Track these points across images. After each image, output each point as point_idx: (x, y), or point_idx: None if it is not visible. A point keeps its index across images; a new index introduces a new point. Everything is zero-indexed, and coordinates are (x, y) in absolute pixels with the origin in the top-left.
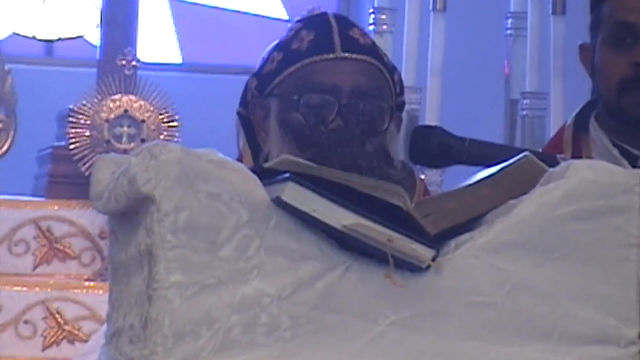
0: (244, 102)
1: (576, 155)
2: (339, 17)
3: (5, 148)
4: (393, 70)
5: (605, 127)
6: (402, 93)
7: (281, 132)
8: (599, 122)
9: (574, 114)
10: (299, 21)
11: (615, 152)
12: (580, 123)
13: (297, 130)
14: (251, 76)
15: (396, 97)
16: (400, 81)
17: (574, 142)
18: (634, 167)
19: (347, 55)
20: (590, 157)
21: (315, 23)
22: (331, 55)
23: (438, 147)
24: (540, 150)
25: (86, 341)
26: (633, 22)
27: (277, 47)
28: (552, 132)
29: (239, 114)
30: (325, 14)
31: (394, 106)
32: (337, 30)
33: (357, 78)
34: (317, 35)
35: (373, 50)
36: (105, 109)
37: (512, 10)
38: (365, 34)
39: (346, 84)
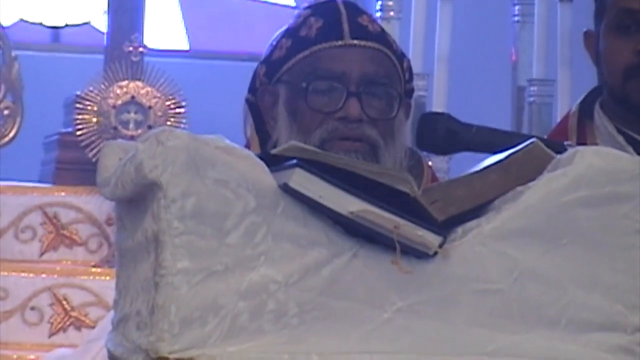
0: (252, 89)
1: (581, 142)
2: (347, 4)
3: (12, 134)
4: (402, 56)
5: (609, 113)
6: (410, 79)
7: (289, 118)
8: (603, 109)
9: (579, 101)
10: (307, 7)
11: (620, 138)
12: (585, 110)
13: (304, 116)
14: (259, 63)
15: (405, 83)
16: (409, 67)
17: (579, 129)
18: (639, 153)
19: (355, 42)
20: (594, 144)
21: (324, 9)
22: (340, 42)
23: (445, 134)
24: (545, 137)
25: (92, 327)
26: (637, 9)
27: (286, 34)
28: (559, 118)
29: (247, 100)
30: (333, 0)
31: (402, 93)
32: (346, 16)
33: (365, 65)
34: (325, 22)
35: (382, 37)
36: (112, 95)
37: None
38: (373, 21)
39: (354, 71)
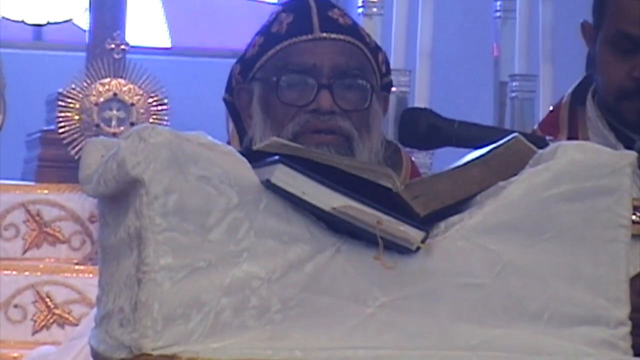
0: (229, 89)
1: (572, 134)
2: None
3: None
4: (376, 49)
5: (601, 102)
6: (387, 73)
7: (263, 114)
8: (595, 98)
9: (570, 90)
10: (280, 4)
11: (612, 136)
12: (577, 97)
13: (277, 111)
14: (235, 62)
15: (381, 77)
16: (386, 61)
17: (570, 120)
18: (629, 148)
19: (325, 35)
20: (586, 137)
21: (295, 5)
22: (309, 36)
23: (427, 129)
24: (536, 127)
25: (76, 325)
26: (635, 35)
27: (259, 32)
28: (541, 113)
29: (224, 100)
30: None
31: (376, 85)
32: (316, 11)
33: (336, 57)
34: (295, 17)
35: (353, 29)
36: (94, 92)
37: None
38: (345, 15)
39: (325, 64)
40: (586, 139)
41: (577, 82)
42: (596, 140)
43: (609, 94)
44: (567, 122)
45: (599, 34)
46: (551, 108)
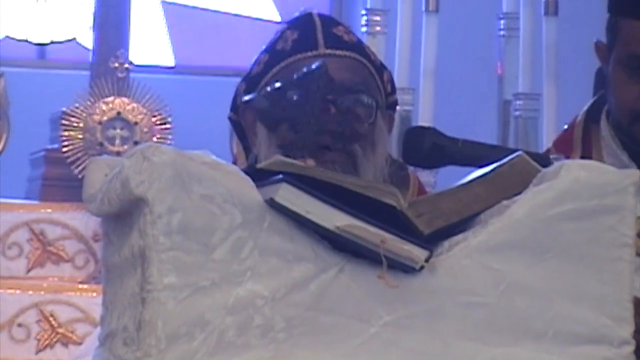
0: (234, 107)
1: (586, 153)
2: (322, 16)
3: None
4: (381, 68)
5: (614, 122)
6: (393, 92)
7: (268, 133)
8: (609, 118)
9: (586, 107)
10: (285, 22)
11: (625, 156)
12: (592, 115)
13: (260, 111)
14: (240, 80)
15: (386, 95)
16: (391, 80)
17: (584, 138)
18: None
19: (329, 51)
20: (600, 156)
21: (299, 22)
22: (314, 52)
23: (431, 148)
24: (551, 144)
25: (80, 344)
26: None
27: (264, 50)
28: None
29: (230, 119)
30: (309, 13)
31: (380, 101)
32: (321, 27)
33: (340, 73)
34: (300, 34)
35: (358, 46)
36: (97, 111)
37: (504, 11)
38: (349, 32)
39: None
40: (600, 157)
41: (592, 100)
42: (610, 160)
43: (621, 115)
44: (581, 140)
45: (612, 54)
46: (566, 126)
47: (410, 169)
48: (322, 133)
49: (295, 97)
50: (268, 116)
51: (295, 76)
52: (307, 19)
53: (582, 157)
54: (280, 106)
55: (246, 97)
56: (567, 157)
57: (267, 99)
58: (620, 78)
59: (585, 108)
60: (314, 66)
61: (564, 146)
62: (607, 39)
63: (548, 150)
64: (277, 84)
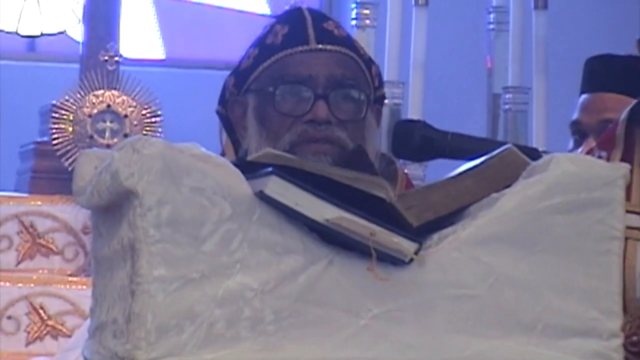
0: (222, 101)
1: (628, 151)
2: (313, 11)
3: None
4: (370, 62)
5: None
6: (380, 86)
7: (258, 125)
8: None
9: (630, 107)
10: (274, 17)
11: None
12: (635, 117)
13: (273, 122)
14: (229, 74)
15: (375, 89)
16: (379, 74)
17: (627, 137)
18: None
19: (320, 46)
20: None
21: (289, 17)
22: (305, 47)
23: (420, 141)
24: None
25: (69, 336)
26: None
27: (253, 44)
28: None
29: (218, 112)
30: (299, 8)
31: (370, 96)
32: (311, 22)
33: (331, 68)
34: (290, 29)
35: (347, 41)
36: (87, 104)
37: (493, 4)
38: (339, 26)
39: (321, 74)
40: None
41: (635, 101)
42: None
43: None
44: (623, 138)
45: None
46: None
47: (400, 162)
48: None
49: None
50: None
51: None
52: (297, 14)
53: (624, 156)
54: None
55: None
56: (610, 155)
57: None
58: None
59: (628, 108)
60: None
61: (607, 144)
62: None
63: (593, 148)
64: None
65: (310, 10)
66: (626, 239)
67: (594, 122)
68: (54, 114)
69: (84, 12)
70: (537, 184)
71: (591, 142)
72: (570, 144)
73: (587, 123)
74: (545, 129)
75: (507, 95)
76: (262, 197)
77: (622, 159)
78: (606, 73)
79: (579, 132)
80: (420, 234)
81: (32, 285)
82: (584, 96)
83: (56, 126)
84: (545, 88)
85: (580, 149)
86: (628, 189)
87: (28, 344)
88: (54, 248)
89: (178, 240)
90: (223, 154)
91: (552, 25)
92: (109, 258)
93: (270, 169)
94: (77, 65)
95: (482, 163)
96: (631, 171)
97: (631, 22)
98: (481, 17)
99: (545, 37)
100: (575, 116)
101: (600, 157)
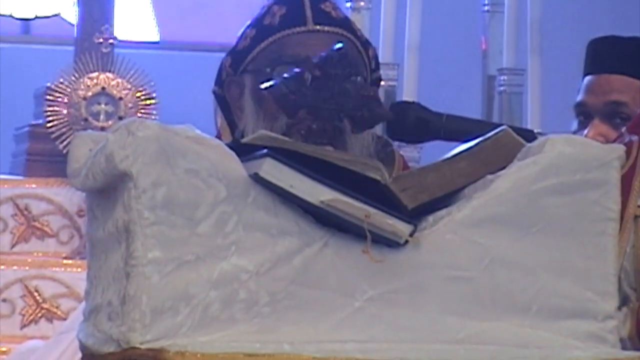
0: (219, 81)
1: None
2: None
3: None
4: (367, 44)
5: None
6: (377, 68)
7: (255, 106)
8: None
9: None
10: None
11: None
12: None
13: (270, 103)
14: (225, 55)
15: (371, 71)
16: (375, 56)
17: None
18: None
19: (318, 27)
20: None
21: None
22: (303, 28)
23: (415, 123)
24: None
25: (64, 319)
26: None
27: (250, 24)
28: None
29: (214, 92)
30: None
31: (367, 77)
32: (309, 3)
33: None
34: (288, 9)
35: (345, 23)
36: (82, 86)
37: None
38: (337, 8)
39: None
40: None
41: None
42: None
43: None
44: None
45: None
46: None
47: (395, 144)
48: (342, 118)
49: (314, 83)
50: (288, 103)
51: (314, 60)
52: None
53: None
54: (300, 92)
55: (265, 85)
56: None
57: (286, 85)
58: None
59: None
60: (334, 49)
61: (637, 128)
62: None
63: (622, 134)
64: (297, 69)
65: None
66: (636, 217)
67: (599, 104)
68: (48, 97)
69: None
70: (532, 165)
71: (597, 124)
72: (574, 126)
73: (593, 104)
74: (540, 110)
75: (502, 77)
76: (256, 179)
77: None
78: (612, 54)
79: (584, 113)
80: (415, 215)
81: (27, 268)
82: (588, 77)
83: (51, 109)
84: (540, 70)
85: (585, 131)
86: None
87: (23, 326)
88: (48, 231)
89: (173, 222)
90: (218, 136)
91: (546, 6)
92: (104, 240)
93: (265, 151)
94: (71, 48)
95: (477, 145)
96: None
97: (625, 3)
98: None
99: (540, 18)
100: (580, 97)
101: (631, 141)
